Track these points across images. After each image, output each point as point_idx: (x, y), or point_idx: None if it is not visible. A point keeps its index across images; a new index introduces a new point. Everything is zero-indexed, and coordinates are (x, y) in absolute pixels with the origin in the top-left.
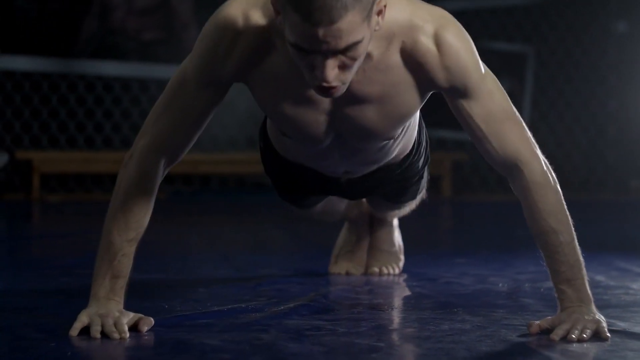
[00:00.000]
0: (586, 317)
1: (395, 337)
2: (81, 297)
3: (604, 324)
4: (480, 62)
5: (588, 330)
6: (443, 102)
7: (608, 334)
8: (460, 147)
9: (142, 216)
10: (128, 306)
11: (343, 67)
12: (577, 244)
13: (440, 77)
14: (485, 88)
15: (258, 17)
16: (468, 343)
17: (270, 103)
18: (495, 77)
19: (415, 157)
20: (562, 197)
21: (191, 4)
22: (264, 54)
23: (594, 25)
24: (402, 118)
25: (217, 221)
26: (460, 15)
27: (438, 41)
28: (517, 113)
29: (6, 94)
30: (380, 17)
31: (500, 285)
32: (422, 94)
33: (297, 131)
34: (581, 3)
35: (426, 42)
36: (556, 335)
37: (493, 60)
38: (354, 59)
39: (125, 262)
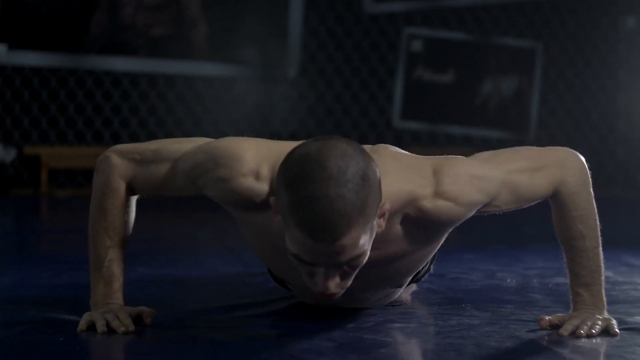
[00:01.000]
0: (597, 316)
1: (403, 332)
2: (90, 292)
3: (614, 322)
4: (484, 162)
5: (597, 327)
6: (450, 101)
7: (617, 331)
8: (469, 143)
9: (121, 221)
10: (137, 301)
11: (343, 276)
12: (601, 250)
13: (464, 216)
14: (499, 181)
15: (266, 178)
16: (477, 338)
17: (261, 251)
18: (499, 151)
19: (425, 268)
20: (594, 200)
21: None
22: (259, 209)
23: (604, 21)
24: (412, 270)
25: (226, 217)
26: (471, 11)
27: (444, 195)
28: (528, 150)
29: (15, 89)
30: (382, 219)
31: (508, 280)
32: (439, 240)
33: (292, 282)
34: None
35: (433, 205)
36: (565, 330)
37: (503, 56)
38: (355, 268)
39: (115, 266)
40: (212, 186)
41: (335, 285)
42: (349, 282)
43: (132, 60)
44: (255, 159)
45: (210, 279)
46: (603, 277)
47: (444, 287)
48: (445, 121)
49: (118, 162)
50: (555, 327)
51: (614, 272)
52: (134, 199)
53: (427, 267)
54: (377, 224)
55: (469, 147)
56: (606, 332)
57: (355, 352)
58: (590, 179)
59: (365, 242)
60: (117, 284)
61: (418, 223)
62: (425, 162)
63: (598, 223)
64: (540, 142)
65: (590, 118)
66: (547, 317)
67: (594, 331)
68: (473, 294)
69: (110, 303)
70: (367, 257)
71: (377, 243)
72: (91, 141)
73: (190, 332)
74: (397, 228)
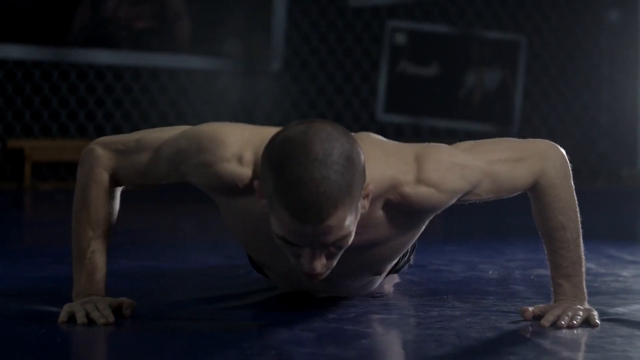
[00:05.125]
0: (578, 307)
1: (384, 323)
2: (72, 284)
3: (595, 313)
4: (466, 151)
5: (578, 318)
6: (434, 94)
7: (598, 321)
8: (453, 136)
9: (104, 213)
10: (118, 293)
11: (329, 256)
12: (581, 241)
13: (445, 203)
14: (481, 170)
15: (249, 162)
16: (457, 329)
17: (242, 236)
18: (481, 142)
19: (405, 259)
20: (574, 191)
21: None
22: (242, 193)
23: (587, 15)
24: (392, 257)
25: (209, 209)
26: (455, 4)
27: (426, 182)
28: (509, 141)
29: None
30: (366, 200)
31: (490, 272)
32: (420, 228)
33: (272, 267)
34: None
35: (415, 191)
36: (546, 321)
37: (486, 49)
38: (340, 249)
39: (97, 258)
40: (195, 172)
41: (321, 265)
42: (335, 263)
43: (116, 53)
44: (238, 142)
45: (192, 270)
46: (584, 269)
47: (425, 279)
48: (429, 114)
49: (102, 153)
50: (536, 317)
51: (596, 264)
52: (118, 191)
53: (407, 257)
54: (362, 205)
55: (452, 140)
56: (587, 323)
57: (336, 343)
58: (570, 172)
59: (351, 222)
60: (99, 275)
61: (399, 209)
62: (407, 149)
63: (578, 215)
64: (523, 135)
65: (573, 111)
66: (530, 309)
67: (575, 322)
68: (454, 286)
69: (91, 294)
70: (352, 238)
71: (359, 228)
72: (75, 134)
73: (171, 323)
74: (379, 213)
